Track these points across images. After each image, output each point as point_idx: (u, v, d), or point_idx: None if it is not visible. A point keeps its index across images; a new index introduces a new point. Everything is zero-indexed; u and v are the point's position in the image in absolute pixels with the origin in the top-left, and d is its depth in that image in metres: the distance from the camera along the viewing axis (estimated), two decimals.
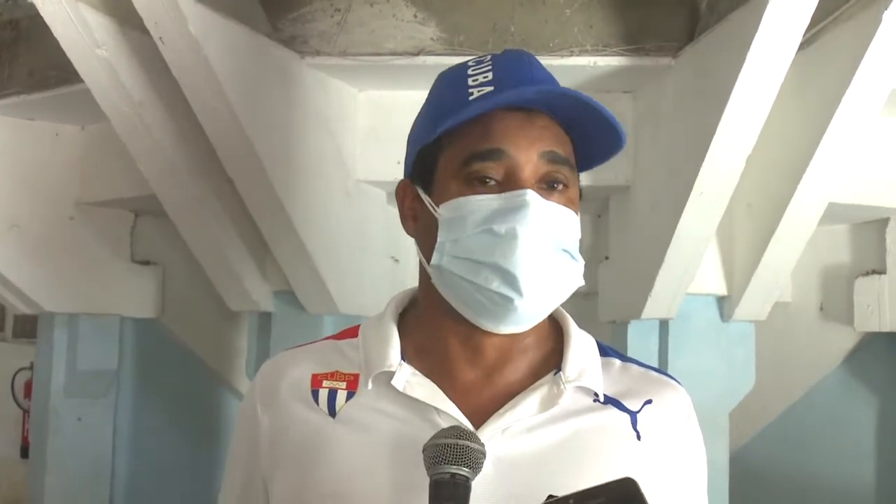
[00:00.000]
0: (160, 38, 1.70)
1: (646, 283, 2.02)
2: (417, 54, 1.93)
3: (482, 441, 0.80)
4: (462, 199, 0.88)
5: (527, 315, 0.89)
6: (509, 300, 0.86)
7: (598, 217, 2.36)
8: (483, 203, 0.87)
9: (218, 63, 1.72)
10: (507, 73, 0.92)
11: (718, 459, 2.12)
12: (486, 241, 0.86)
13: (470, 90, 0.91)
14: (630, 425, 0.92)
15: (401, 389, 0.90)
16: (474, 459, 0.77)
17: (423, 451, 0.78)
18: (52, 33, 1.80)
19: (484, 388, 0.92)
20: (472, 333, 0.91)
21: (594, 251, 2.34)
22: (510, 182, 0.87)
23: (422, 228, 0.94)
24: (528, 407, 0.89)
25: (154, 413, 2.93)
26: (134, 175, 2.20)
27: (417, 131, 0.98)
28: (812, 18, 1.58)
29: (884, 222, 2.33)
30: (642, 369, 0.99)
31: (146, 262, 2.86)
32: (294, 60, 1.96)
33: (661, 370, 1.02)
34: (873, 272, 2.34)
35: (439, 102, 0.96)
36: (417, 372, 0.91)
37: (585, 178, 2.14)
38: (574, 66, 1.93)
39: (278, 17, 1.97)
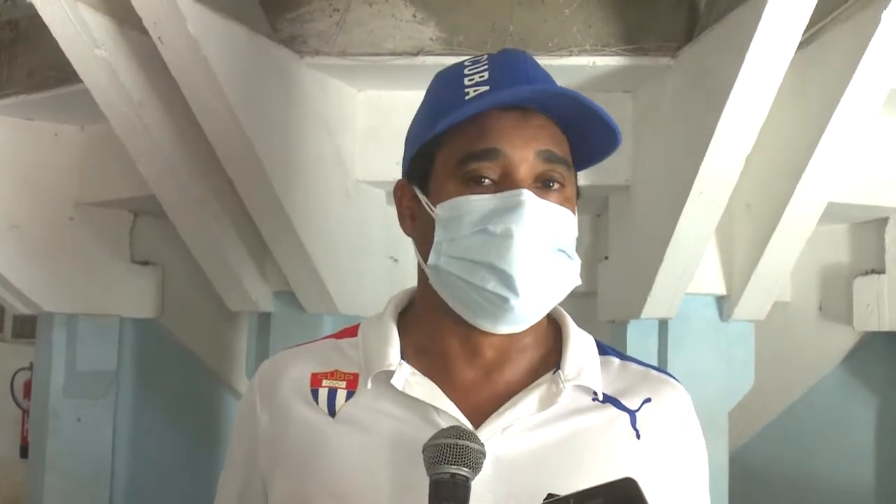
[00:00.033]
0: (159, 38, 1.70)
1: (645, 283, 2.02)
2: (416, 54, 1.93)
3: (482, 440, 0.80)
4: (458, 199, 0.88)
5: (523, 315, 0.89)
6: (505, 300, 0.86)
7: (598, 217, 2.36)
8: (479, 203, 0.87)
9: (217, 63, 1.72)
10: (503, 72, 0.92)
11: (718, 459, 2.12)
12: (482, 242, 0.86)
13: (466, 90, 0.91)
14: (629, 424, 0.92)
15: (400, 388, 0.90)
16: (474, 459, 0.77)
17: (423, 451, 0.78)
18: (51, 33, 1.80)
19: (483, 387, 0.92)
20: (470, 333, 0.91)
21: (594, 251, 2.34)
22: (506, 181, 0.87)
23: (419, 228, 0.94)
24: (527, 406, 0.89)
25: (154, 413, 2.93)
26: (133, 175, 2.20)
27: (414, 131, 0.98)
28: (811, 18, 1.58)
29: (883, 222, 2.33)
30: (641, 368, 0.99)
31: (145, 263, 2.86)
32: (293, 60, 1.96)
33: (661, 368, 1.01)
34: (872, 272, 2.34)
35: (436, 102, 0.96)
36: (417, 371, 0.91)
37: (585, 178, 2.14)
38: (573, 66, 1.93)
39: (277, 17, 1.97)
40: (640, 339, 2.17)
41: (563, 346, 0.95)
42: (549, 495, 0.71)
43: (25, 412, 3.60)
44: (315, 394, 0.93)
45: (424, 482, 0.77)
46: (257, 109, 1.86)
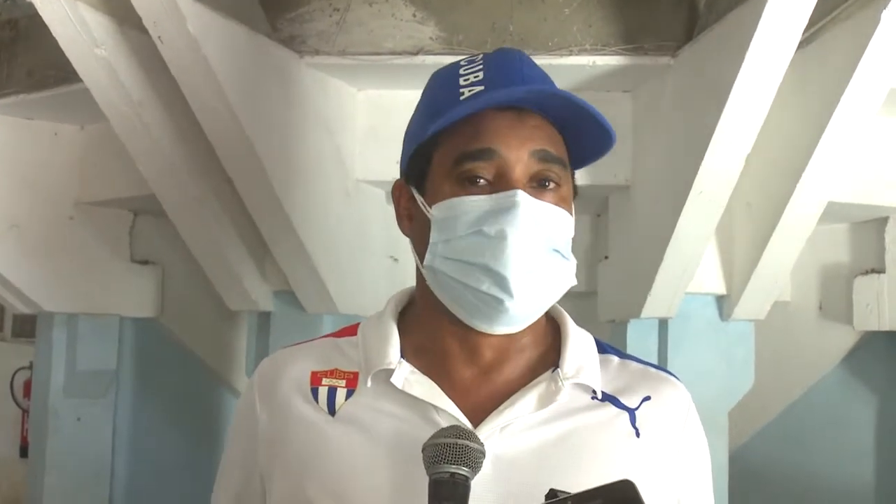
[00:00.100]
0: (159, 37, 1.70)
1: (645, 283, 2.02)
2: (416, 54, 1.93)
3: (481, 439, 0.80)
4: (454, 200, 0.88)
5: (518, 316, 0.89)
6: (500, 301, 0.86)
7: (598, 216, 2.36)
8: (474, 204, 0.87)
9: (217, 62, 1.72)
10: (498, 72, 0.92)
11: (718, 459, 2.12)
12: (476, 243, 0.86)
13: (461, 90, 0.91)
14: (629, 422, 0.92)
15: (400, 387, 0.90)
16: (474, 459, 0.77)
17: (423, 451, 0.78)
18: (50, 33, 1.80)
19: (482, 386, 0.92)
20: (468, 333, 0.91)
21: (593, 251, 2.34)
22: (501, 182, 0.87)
23: (416, 229, 0.94)
24: (525, 404, 0.89)
25: (153, 413, 2.93)
26: (133, 175, 2.20)
27: (411, 131, 0.98)
28: (811, 18, 1.58)
29: (883, 221, 2.33)
30: (641, 366, 0.99)
31: (145, 262, 2.86)
32: (293, 60, 1.96)
33: (661, 367, 1.01)
34: (872, 271, 2.34)
35: (432, 102, 0.96)
36: (416, 370, 0.91)
37: (584, 178, 2.14)
38: (573, 66, 1.93)
39: (277, 17, 1.97)
40: (640, 339, 2.17)
41: (561, 344, 0.95)
42: (552, 491, 0.71)
43: (25, 412, 3.61)
44: (315, 392, 0.93)
45: (424, 481, 0.77)
46: (257, 109, 1.86)
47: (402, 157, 0.99)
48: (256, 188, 1.97)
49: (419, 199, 0.92)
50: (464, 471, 0.76)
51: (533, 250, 0.86)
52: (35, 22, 2.03)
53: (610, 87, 2.07)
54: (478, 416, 0.88)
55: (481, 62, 0.93)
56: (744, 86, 1.64)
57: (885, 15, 1.55)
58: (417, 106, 0.99)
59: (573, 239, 0.94)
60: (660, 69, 1.94)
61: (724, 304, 2.21)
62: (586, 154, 0.95)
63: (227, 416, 2.74)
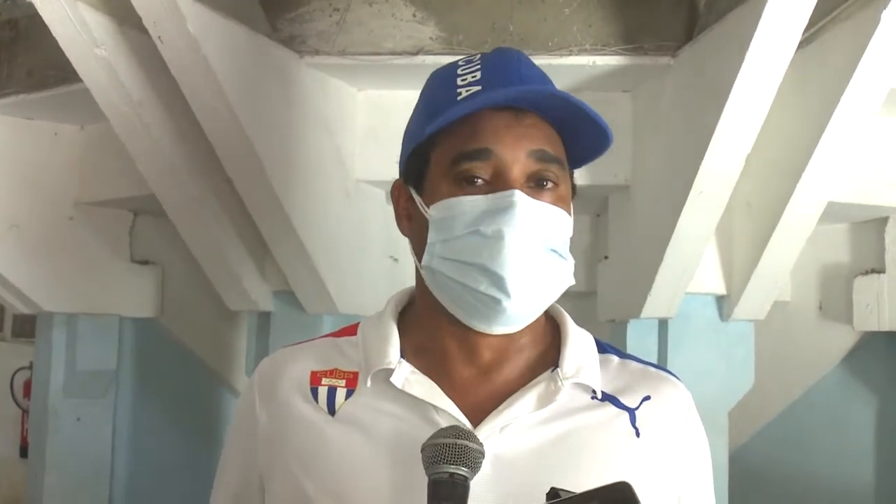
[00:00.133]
0: (159, 37, 1.70)
1: (645, 283, 2.02)
2: (416, 54, 1.93)
3: (480, 439, 0.80)
4: (451, 200, 0.88)
5: (516, 316, 0.89)
6: (497, 301, 0.86)
7: (598, 216, 2.36)
8: (471, 204, 0.87)
9: (217, 62, 1.72)
10: (496, 72, 0.92)
11: (718, 459, 2.11)
12: (473, 243, 0.86)
13: (458, 90, 0.91)
14: (629, 422, 0.92)
15: (399, 387, 0.90)
16: (473, 459, 0.77)
17: (422, 451, 0.78)
18: (50, 33, 1.80)
19: (481, 386, 0.92)
20: (467, 334, 0.91)
21: (593, 250, 2.34)
22: (498, 181, 0.87)
23: (415, 229, 0.94)
24: (525, 404, 0.89)
25: (153, 413, 2.93)
26: (133, 175, 2.19)
27: (410, 131, 0.98)
28: (811, 17, 1.58)
29: (883, 221, 2.33)
30: (641, 366, 0.99)
31: (145, 262, 2.86)
32: (293, 60, 1.96)
33: (661, 366, 1.01)
34: (872, 271, 2.34)
35: (430, 102, 0.96)
36: (416, 370, 0.91)
37: (584, 178, 2.14)
38: (573, 66, 1.93)
39: (277, 17, 1.97)
40: (639, 339, 2.17)
41: (561, 344, 0.95)
42: (553, 490, 0.71)
43: (25, 412, 3.60)
44: (315, 392, 0.93)
45: (424, 481, 0.77)
46: (257, 109, 1.86)
47: (400, 158, 0.99)
48: (256, 188, 1.97)
49: (417, 199, 0.92)
50: (463, 471, 0.76)
51: (530, 250, 0.86)
52: (35, 22, 2.03)
53: (610, 87, 2.07)
54: (477, 416, 0.88)
55: (479, 62, 0.93)
56: (744, 86, 1.64)
57: (884, 15, 1.55)
58: (416, 106, 0.99)
59: (573, 239, 0.94)
60: (660, 69, 1.94)
61: (723, 304, 2.21)
62: (584, 154, 0.95)
63: (227, 416, 2.74)
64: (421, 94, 0.99)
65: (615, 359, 0.99)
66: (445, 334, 0.93)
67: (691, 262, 2.02)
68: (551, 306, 0.96)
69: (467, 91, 0.90)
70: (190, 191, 2.11)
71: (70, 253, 2.65)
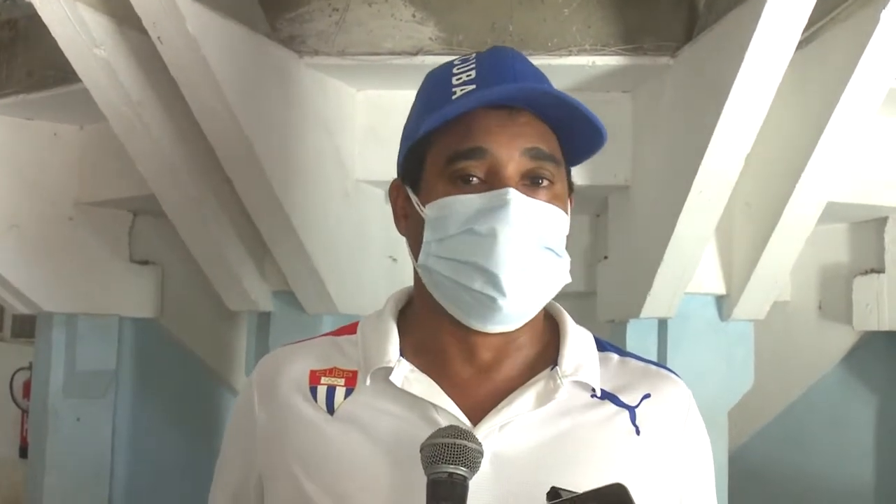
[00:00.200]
0: (158, 37, 1.70)
1: (645, 283, 2.02)
2: (416, 54, 1.93)
3: (480, 438, 0.80)
4: (446, 199, 0.88)
5: (512, 314, 0.89)
6: (493, 300, 0.86)
7: (597, 217, 2.36)
8: (466, 203, 0.87)
9: (216, 63, 1.72)
10: (490, 70, 0.92)
11: (717, 459, 2.09)
12: (468, 242, 0.86)
13: (453, 89, 0.91)
14: (629, 420, 0.92)
15: (399, 385, 0.90)
16: (472, 459, 0.76)
17: (421, 451, 0.78)
18: (50, 33, 1.80)
19: (481, 384, 0.92)
20: (465, 333, 0.91)
21: (593, 251, 2.34)
22: (493, 180, 0.87)
23: (412, 228, 0.94)
24: (524, 403, 0.89)
25: (153, 413, 2.93)
26: (132, 175, 2.19)
27: (406, 131, 0.98)
28: (810, 17, 1.58)
29: (882, 221, 2.33)
30: (641, 364, 0.99)
31: (145, 262, 2.86)
32: (292, 60, 1.96)
33: (661, 364, 1.01)
34: (872, 271, 2.34)
35: (426, 101, 0.96)
36: (416, 368, 0.91)
37: (584, 178, 2.14)
38: (573, 66, 1.93)
39: (277, 17, 1.97)
40: (639, 339, 2.17)
41: (560, 342, 0.95)
42: (553, 489, 0.71)
43: (25, 412, 3.60)
44: (314, 391, 0.93)
45: (423, 480, 0.77)
46: (256, 109, 1.86)
47: (398, 157, 0.99)
48: (256, 188, 1.97)
49: (414, 198, 0.93)
50: (462, 471, 0.75)
51: (525, 248, 0.86)
52: (34, 22, 2.03)
53: (609, 88, 2.07)
54: (477, 415, 0.88)
55: (474, 61, 0.94)
56: (743, 86, 1.64)
57: (884, 15, 1.55)
58: (413, 105, 0.99)
59: (572, 239, 0.93)
60: (659, 69, 1.94)
61: (723, 304, 2.21)
62: (580, 152, 0.95)
63: (227, 416, 2.74)
64: (417, 94, 0.99)
65: (615, 357, 0.99)
66: (444, 333, 0.93)
67: (691, 262, 2.02)
68: (550, 305, 0.96)
69: (462, 90, 0.90)
70: (189, 191, 2.11)
71: (70, 253, 2.65)
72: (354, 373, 0.94)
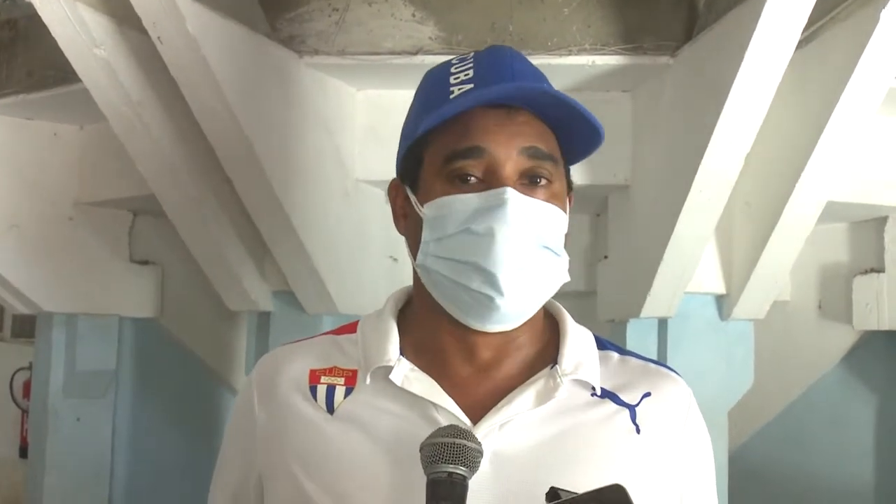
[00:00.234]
0: (158, 37, 1.70)
1: (645, 282, 2.02)
2: (416, 53, 1.93)
3: (479, 437, 0.80)
4: (444, 199, 0.88)
5: (511, 313, 0.89)
6: (491, 299, 0.86)
7: (597, 216, 2.36)
8: (464, 202, 0.87)
9: (216, 62, 1.72)
10: (488, 70, 0.92)
11: (718, 458, 2.09)
12: (466, 241, 0.86)
13: (451, 88, 0.91)
14: (629, 419, 0.92)
15: (399, 384, 0.90)
16: (471, 458, 0.76)
17: (421, 450, 0.78)
18: (50, 33, 1.80)
19: (480, 383, 0.92)
20: (465, 332, 0.91)
21: (593, 250, 2.34)
22: (491, 179, 0.87)
23: (411, 227, 0.94)
24: (524, 401, 0.89)
25: (153, 413, 2.93)
26: (132, 175, 2.19)
27: (405, 131, 0.98)
28: (810, 17, 1.58)
29: (882, 220, 2.33)
30: (641, 362, 0.99)
31: (145, 262, 2.86)
32: (292, 60, 1.96)
33: (661, 363, 1.01)
34: (872, 270, 2.34)
35: (424, 101, 0.96)
36: (416, 367, 0.91)
37: (584, 178, 2.14)
38: (572, 65, 1.92)
39: (276, 17, 1.96)
40: (639, 339, 2.17)
41: (560, 341, 0.95)
42: (553, 489, 0.71)
43: (25, 412, 3.60)
44: (313, 391, 0.93)
45: (423, 479, 0.77)
46: (256, 109, 1.86)
47: (397, 157, 0.99)
48: (256, 188, 1.97)
49: (412, 198, 0.93)
50: (461, 470, 0.75)
51: (522, 247, 0.86)
52: (34, 22, 2.03)
53: (609, 87, 2.07)
54: (477, 414, 0.88)
55: (472, 60, 0.94)
56: (743, 85, 1.64)
57: (884, 14, 1.55)
58: (411, 105, 0.99)
59: (572, 238, 0.94)
60: (659, 69, 1.94)
61: (723, 304, 2.21)
62: (578, 151, 0.95)
63: (227, 416, 2.74)
64: (416, 94, 0.99)
65: (615, 355, 0.99)
66: (444, 332, 0.93)
67: (691, 262, 2.02)
68: (550, 303, 0.96)
69: (459, 89, 0.91)
70: (189, 191, 2.11)
71: (70, 253, 2.65)
72: (354, 372, 0.94)
